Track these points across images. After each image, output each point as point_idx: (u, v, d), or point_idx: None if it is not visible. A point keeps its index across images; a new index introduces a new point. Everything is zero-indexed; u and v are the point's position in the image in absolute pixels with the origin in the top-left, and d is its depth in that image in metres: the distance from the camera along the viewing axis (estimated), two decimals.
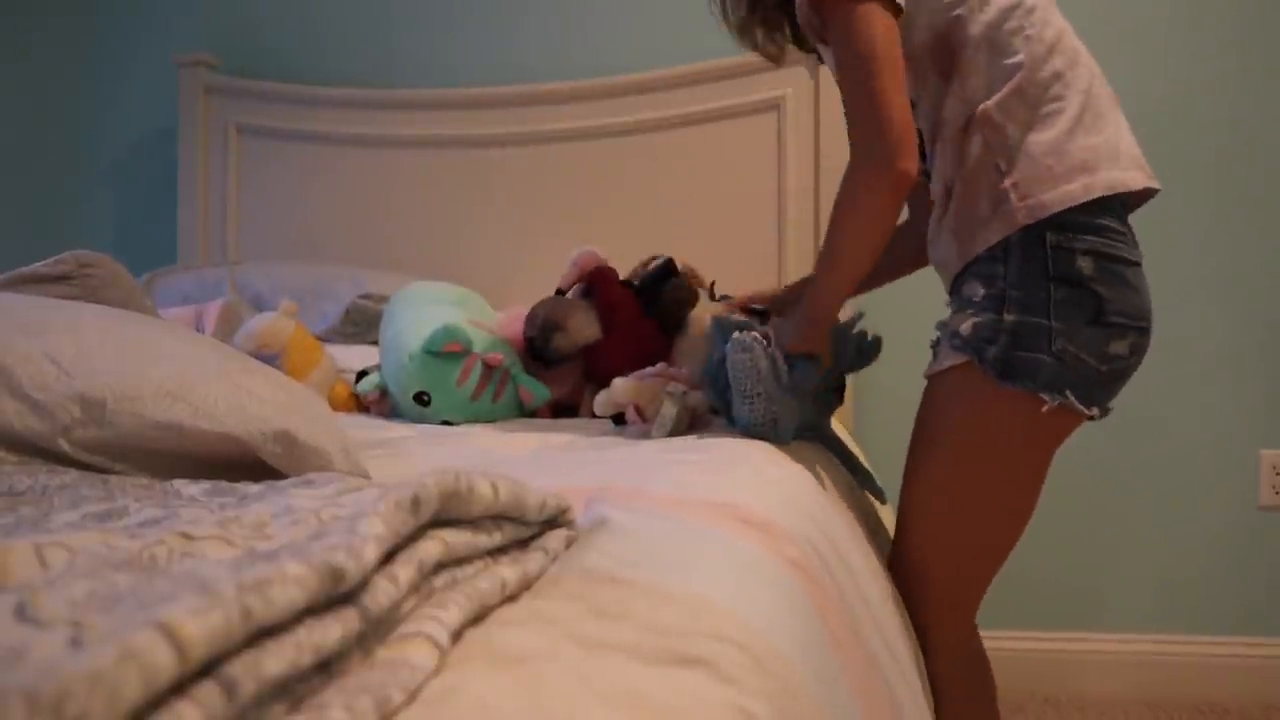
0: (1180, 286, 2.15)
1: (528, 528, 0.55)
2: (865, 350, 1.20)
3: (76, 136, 2.61)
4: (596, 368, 1.44)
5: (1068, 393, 1.00)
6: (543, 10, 2.38)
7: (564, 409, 1.54)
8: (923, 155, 1.13)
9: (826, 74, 2.10)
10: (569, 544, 0.57)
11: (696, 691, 0.40)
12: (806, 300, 1.08)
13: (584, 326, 1.39)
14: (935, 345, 1.13)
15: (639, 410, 1.16)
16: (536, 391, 1.42)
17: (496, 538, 0.50)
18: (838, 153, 2.10)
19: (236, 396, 0.70)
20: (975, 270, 1.04)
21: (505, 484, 0.50)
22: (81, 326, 0.77)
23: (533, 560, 0.51)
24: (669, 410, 1.10)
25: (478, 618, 0.45)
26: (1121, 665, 2.13)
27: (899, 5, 0.98)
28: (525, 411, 1.45)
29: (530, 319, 1.42)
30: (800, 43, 1.27)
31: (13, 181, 2.63)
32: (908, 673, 0.83)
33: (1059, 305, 0.99)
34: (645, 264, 1.51)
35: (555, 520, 0.57)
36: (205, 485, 0.58)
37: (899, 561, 1.13)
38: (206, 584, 0.31)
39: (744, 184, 2.18)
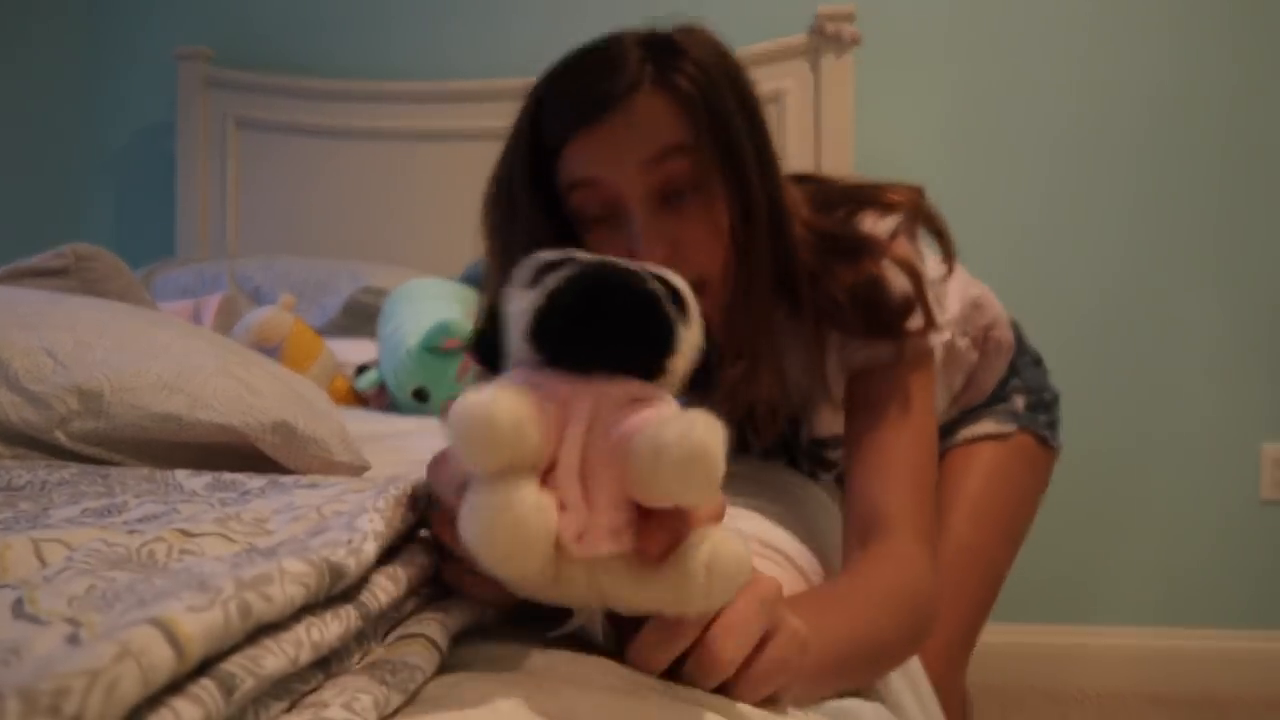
0: (1182, 281, 2.14)
1: None
2: None
3: (75, 130, 2.61)
4: None
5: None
6: (544, 3, 2.37)
7: None
8: None
9: (827, 67, 2.10)
10: None
11: (697, 698, 0.40)
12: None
13: None
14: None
15: None
16: None
17: None
18: (837, 147, 2.10)
19: (234, 388, 0.70)
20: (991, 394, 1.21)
21: None
22: (79, 319, 0.76)
23: None
24: None
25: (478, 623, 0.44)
26: (1122, 659, 2.13)
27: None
28: None
29: None
30: None
31: (12, 175, 2.62)
32: (921, 692, 0.81)
33: (1046, 376, 1.26)
34: None
35: None
36: (207, 478, 0.58)
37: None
38: (205, 581, 0.30)
39: None
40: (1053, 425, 1.23)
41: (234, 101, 2.42)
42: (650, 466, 0.35)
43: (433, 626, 0.39)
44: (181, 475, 0.59)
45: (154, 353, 0.73)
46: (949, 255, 0.91)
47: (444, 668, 0.39)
